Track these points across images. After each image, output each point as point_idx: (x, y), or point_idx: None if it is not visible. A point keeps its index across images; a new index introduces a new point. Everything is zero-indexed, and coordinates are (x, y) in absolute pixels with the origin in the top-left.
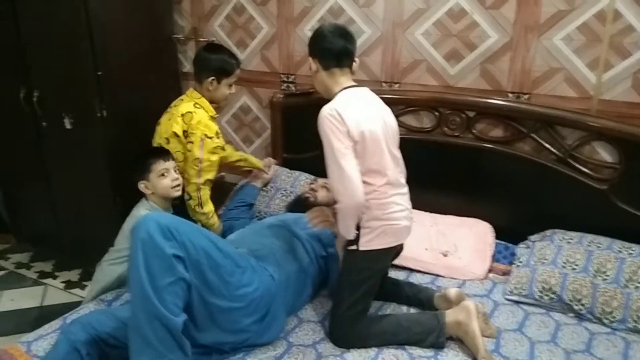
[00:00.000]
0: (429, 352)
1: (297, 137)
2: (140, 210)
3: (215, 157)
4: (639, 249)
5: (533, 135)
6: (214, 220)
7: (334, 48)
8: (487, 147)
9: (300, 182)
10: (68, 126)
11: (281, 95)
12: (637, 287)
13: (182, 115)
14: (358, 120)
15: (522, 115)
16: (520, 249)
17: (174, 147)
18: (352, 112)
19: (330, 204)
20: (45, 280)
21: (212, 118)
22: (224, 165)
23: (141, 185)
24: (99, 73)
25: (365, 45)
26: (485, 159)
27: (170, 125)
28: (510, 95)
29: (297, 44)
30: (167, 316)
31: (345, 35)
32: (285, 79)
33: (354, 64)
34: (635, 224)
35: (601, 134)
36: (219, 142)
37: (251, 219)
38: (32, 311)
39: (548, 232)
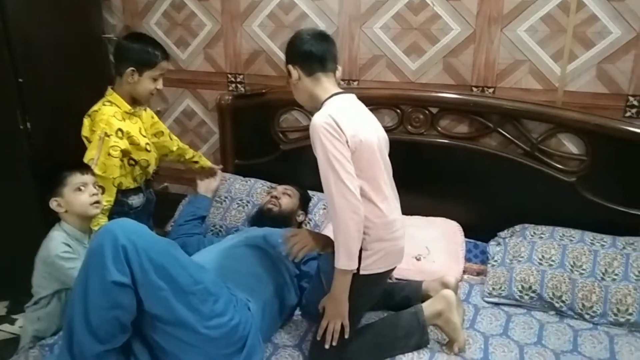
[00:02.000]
0: None
1: (249, 141)
2: (52, 241)
3: (113, 160)
4: (611, 239)
5: (499, 129)
6: None
7: (317, 51)
8: (453, 144)
9: (256, 190)
10: None
11: (229, 97)
12: (614, 280)
13: (89, 115)
14: (355, 129)
15: (487, 110)
16: (492, 247)
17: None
18: (348, 119)
19: (294, 210)
20: None
21: (128, 114)
22: (163, 161)
23: (53, 203)
24: (20, 80)
25: None
26: (451, 156)
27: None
28: (474, 89)
29: (245, 41)
30: (84, 337)
31: (326, 38)
32: (233, 79)
33: (337, 70)
34: (603, 215)
35: (567, 126)
36: (119, 142)
37: (204, 233)
38: None
39: (517, 228)
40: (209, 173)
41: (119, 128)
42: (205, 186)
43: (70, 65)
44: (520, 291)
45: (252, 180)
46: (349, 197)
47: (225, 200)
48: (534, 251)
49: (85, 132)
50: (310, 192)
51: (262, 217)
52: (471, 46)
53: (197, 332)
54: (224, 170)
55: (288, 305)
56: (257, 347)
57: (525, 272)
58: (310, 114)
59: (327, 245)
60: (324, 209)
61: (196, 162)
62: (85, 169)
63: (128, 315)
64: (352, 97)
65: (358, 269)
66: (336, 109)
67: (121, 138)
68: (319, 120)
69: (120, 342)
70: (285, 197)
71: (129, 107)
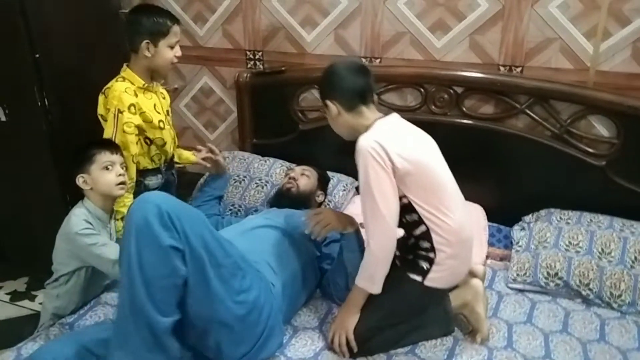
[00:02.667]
0: (441, 355)
1: (268, 120)
2: (73, 218)
3: (128, 137)
4: None
5: (527, 110)
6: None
7: (356, 87)
8: (478, 125)
9: (275, 170)
10: (2, 118)
11: (248, 75)
12: None
13: (103, 93)
14: (406, 152)
15: (514, 90)
16: (516, 232)
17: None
18: (397, 143)
19: (313, 190)
20: None
21: (142, 89)
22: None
23: (80, 180)
24: (37, 55)
25: (341, 17)
26: (475, 138)
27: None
28: (502, 68)
29: (264, 17)
30: (153, 315)
31: (364, 71)
32: (251, 57)
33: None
34: (634, 200)
35: (598, 108)
36: (132, 118)
37: (223, 214)
38: None
39: (543, 212)
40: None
41: (132, 103)
42: (214, 166)
43: (87, 41)
44: (546, 278)
45: (271, 160)
46: (382, 224)
47: (244, 180)
48: (560, 237)
49: (100, 110)
50: (330, 174)
51: (281, 198)
52: (499, 23)
53: (226, 306)
54: (242, 150)
55: (308, 287)
56: (277, 329)
57: (551, 259)
58: None
59: (350, 225)
60: (344, 190)
61: (176, 162)
62: (115, 148)
63: (182, 282)
64: (396, 118)
65: (424, 279)
66: (383, 132)
67: (134, 114)
68: (364, 144)
69: (177, 316)
70: (304, 178)
71: (142, 82)
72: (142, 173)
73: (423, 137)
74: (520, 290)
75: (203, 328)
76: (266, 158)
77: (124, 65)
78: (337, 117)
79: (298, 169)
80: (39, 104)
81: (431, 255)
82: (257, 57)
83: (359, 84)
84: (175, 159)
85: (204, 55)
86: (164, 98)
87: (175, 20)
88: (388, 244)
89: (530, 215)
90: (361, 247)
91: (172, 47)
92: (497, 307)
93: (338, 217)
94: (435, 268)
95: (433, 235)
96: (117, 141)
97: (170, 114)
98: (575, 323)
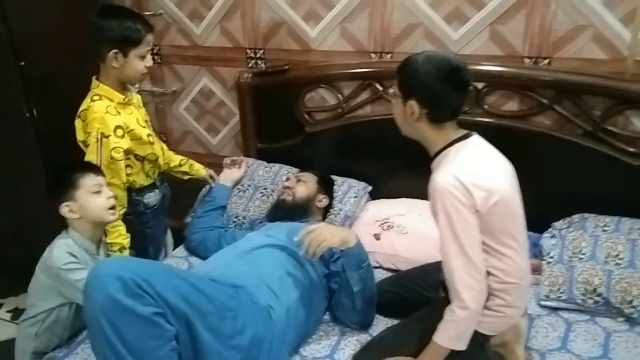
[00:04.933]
0: None
1: (272, 123)
2: (55, 252)
3: (118, 164)
4: None
5: (555, 106)
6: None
7: (453, 102)
8: (501, 124)
9: (281, 177)
10: None
11: (249, 75)
12: None
13: (79, 116)
14: (487, 186)
15: (541, 84)
16: (546, 240)
17: None
18: (477, 175)
19: (312, 196)
20: None
21: (123, 105)
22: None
23: (64, 209)
24: (22, 63)
25: (348, 9)
26: (499, 137)
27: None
28: (526, 60)
29: (265, 12)
30: None
31: (465, 83)
32: (252, 55)
33: None
34: None
35: (637, 102)
36: (121, 142)
37: (226, 227)
38: None
39: (576, 218)
40: (235, 163)
41: (118, 125)
42: (226, 175)
43: (76, 46)
44: (583, 294)
45: (277, 166)
46: (474, 275)
47: (248, 189)
48: (597, 247)
49: (80, 136)
50: (340, 179)
51: (277, 211)
52: (523, 11)
53: (221, 355)
54: (246, 155)
55: (316, 311)
56: None
57: (588, 272)
58: (338, 92)
59: (346, 239)
60: (356, 197)
61: (186, 172)
62: (97, 170)
63: (176, 343)
64: (476, 141)
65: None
66: (461, 164)
67: (122, 136)
68: (442, 181)
69: None
70: (299, 185)
71: (122, 96)
72: (139, 192)
73: (502, 165)
74: (554, 309)
75: None
76: (271, 165)
77: (94, 80)
78: (412, 119)
79: (293, 177)
80: (27, 114)
81: (487, 301)
82: (258, 55)
83: (457, 99)
84: (185, 169)
85: (202, 55)
86: (139, 106)
87: (150, 27)
88: (481, 296)
89: (561, 221)
90: (362, 265)
91: (143, 57)
92: (527, 333)
93: (333, 232)
94: (488, 313)
95: (492, 280)
96: (103, 169)
97: (149, 122)
98: (618, 347)
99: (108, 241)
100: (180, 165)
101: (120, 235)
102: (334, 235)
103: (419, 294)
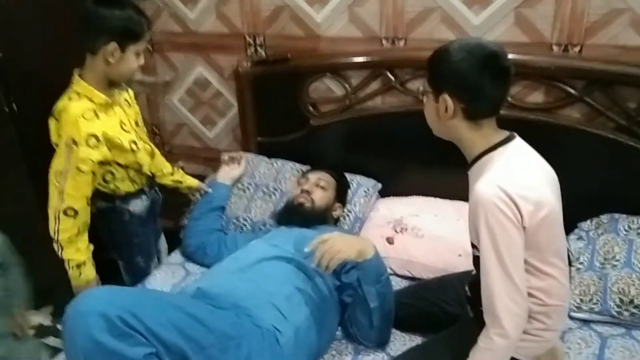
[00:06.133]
0: None
1: (274, 115)
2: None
3: (83, 176)
4: None
5: (585, 98)
6: (85, 274)
7: (493, 94)
8: (525, 117)
9: (285, 174)
10: None
11: (248, 63)
12: None
13: (53, 115)
14: (535, 197)
15: (571, 74)
16: (573, 243)
17: None
18: (523, 186)
19: (330, 205)
20: None
21: (104, 106)
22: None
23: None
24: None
25: None
26: (523, 131)
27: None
28: (555, 48)
29: None
30: None
31: (508, 73)
32: (251, 42)
33: None
34: None
35: None
36: (91, 153)
37: (225, 230)
38: None
39: (605, 219)
40: (234, 159)
41: (91, 134)
42: (225, 172)
43: (60, 35)
44: (619, 306)
45: (279, 162)
46: (517, 299)
47: (248, 189)
48: (632, 252)
49: (54, 137)
50: (347, 176)
51: (291, 215)
52: None
53: None
54: (246, 149)
55: (328, 328)
56: None
57: (623, 281)
58: (345, 82)
59: (364, 251)
60: (366, 195)
61: (180, 181)
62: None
63: None
64: (518, 145)
65: None
66: (506, 172)
67: (95, 147)
68: (485, 192)
69: None
70: (319, 191)
71: (104, 96)
72: (124, 199)
73: (548, 173)
74: (585, 321)
75: None
76: (273, 160)
77: (75, 75)
78: (446, 117)
79: (312, 179)
80: (6, 109)
81: (526, 324)
82: (258, 42)
83: (497, 90)
84: (177, 177)
85: (197, 42)
86: (129, 105)
87: (150, 24)
88: (523, 322)
89: (588, 222)
90: (380, 278)
91: (138, 55)
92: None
93: (349, 242)
94: (526, 338)
95: (532, 302)
96: (68, 178)
97: (140, 124)
98: None
99: (64, 257)
100: (172, 174)
101: (77, 251)
102: (350, 247)
103: (440, 309)
